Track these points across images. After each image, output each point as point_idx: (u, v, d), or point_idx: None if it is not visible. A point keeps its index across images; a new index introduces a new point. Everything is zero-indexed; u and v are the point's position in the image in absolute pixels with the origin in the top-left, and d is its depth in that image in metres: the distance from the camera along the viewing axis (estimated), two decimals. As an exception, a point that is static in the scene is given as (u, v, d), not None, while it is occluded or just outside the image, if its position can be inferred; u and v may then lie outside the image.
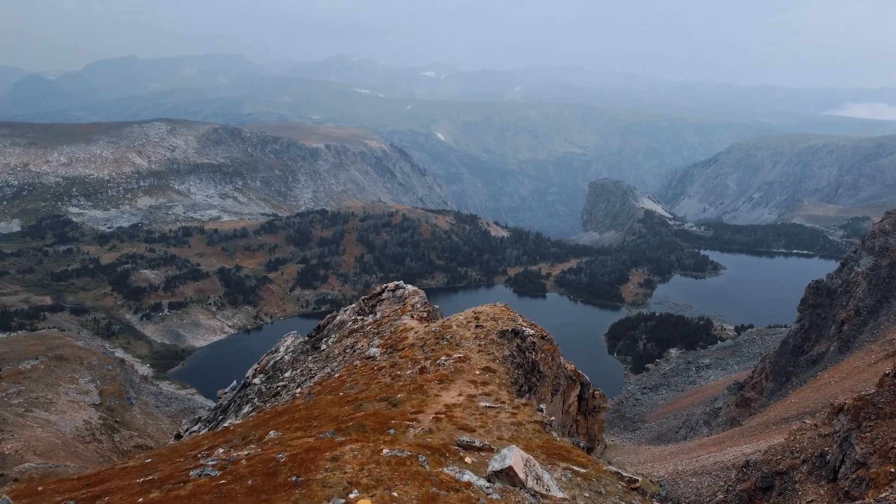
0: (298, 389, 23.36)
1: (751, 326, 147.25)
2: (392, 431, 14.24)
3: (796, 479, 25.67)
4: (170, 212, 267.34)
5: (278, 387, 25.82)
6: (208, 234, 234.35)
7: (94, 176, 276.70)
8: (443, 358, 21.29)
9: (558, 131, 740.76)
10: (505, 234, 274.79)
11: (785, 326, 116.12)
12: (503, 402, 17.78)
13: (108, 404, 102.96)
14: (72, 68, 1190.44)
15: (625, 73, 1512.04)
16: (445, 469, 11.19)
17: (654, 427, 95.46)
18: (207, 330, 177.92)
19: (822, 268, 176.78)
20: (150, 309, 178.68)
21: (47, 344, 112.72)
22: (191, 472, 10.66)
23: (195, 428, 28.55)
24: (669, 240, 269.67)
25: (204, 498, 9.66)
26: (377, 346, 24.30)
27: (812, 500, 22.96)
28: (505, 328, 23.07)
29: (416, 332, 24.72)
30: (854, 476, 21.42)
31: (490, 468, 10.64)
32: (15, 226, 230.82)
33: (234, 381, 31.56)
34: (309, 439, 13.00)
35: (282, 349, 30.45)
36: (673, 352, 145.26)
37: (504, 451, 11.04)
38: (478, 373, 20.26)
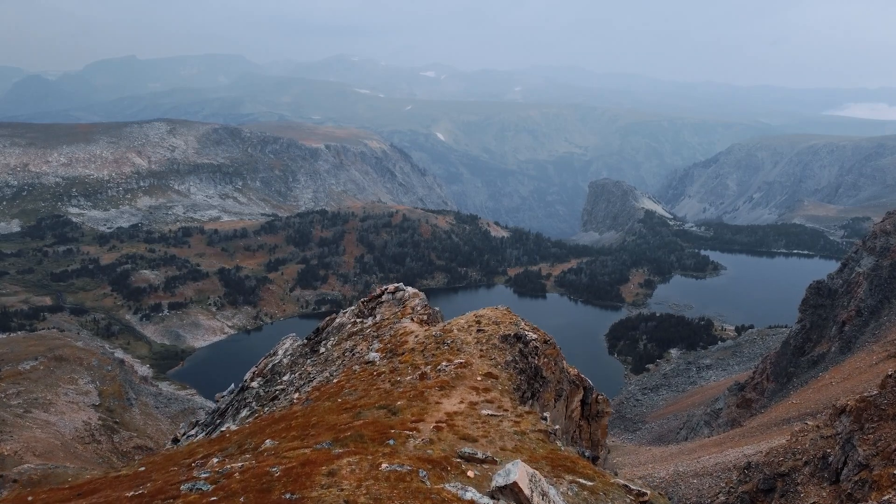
0: (296, 394, 23.05)
1: (751, 327, 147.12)
2: (391, 442, 13.91)
3: (798, 480, 25.52)
4: (170, 212, 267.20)
5: (276, 390, 25.57)
6: (208, 235, 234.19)
7: (93, 176, 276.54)
8: (443, 363, 20.98)
9: (558, 131, 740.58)
10: (505, 234, 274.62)
11: (785, 327, 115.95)
12: (506, 410, 17.44)
13: (108, 405, 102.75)
14: (72, 68, 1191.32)
15: (625, 73, 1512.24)
16: (447, 485, 10.83)
17: (655, 428, 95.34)
18: (207, 330, 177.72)
19: (823, 268, 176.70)
20: (150, 309, 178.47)
21: (47, 344, 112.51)
22: (182, 487, 10.36)
23: (192, 432, 28.33)
24: (670, 240, 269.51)
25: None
26: (376, 351, 23.99)
27: (814, 502, 22.81)
28: (507, 332, 22.71)
29: (416, 337, 24.38)
30: (857, 478, 21.26)
31: (494, 483, 10.30)
32: (15, 226, 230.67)
33: (232, 385, 31.33)
34: (305, 450, 12.64)
35: (280, 352, 30.21)
36: (673, 352, 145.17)
37: (508, 465, 10.69)
38: (479, 379, 19.93)
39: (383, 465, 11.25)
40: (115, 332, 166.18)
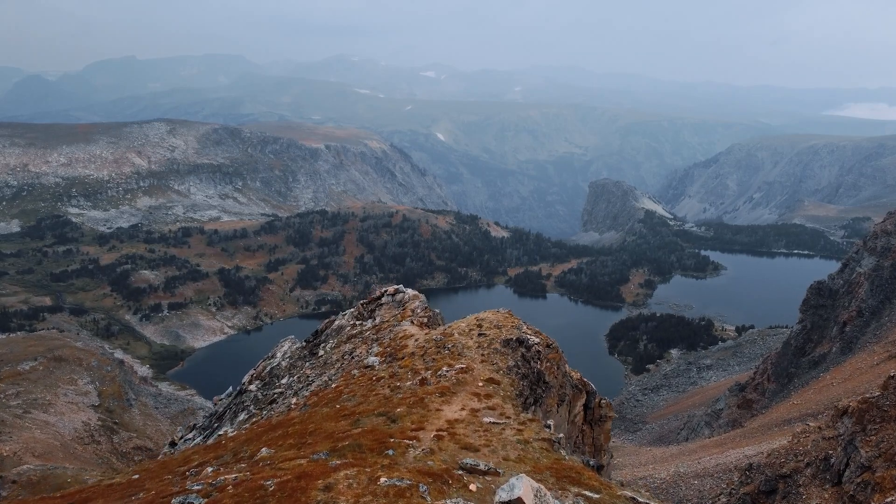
0: (294, 399, 22.70)
1: (752, 327, 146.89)
2: (391, 452, 13.52)
3: (800, 482, 25.34)
4: (169, 212, 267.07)
5: (275, 394, 25.28)
6: (208, 235, 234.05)
7: (93, 176, 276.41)
8: (444, 368, 20.59)
9: (558, 131, 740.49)
10: (505, 234, 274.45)
11: (786, 327, 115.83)
12: (508, 418, 17.07)
13: (107, 405, 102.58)
14: (72, 68, 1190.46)
15: (625, 73, 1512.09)
16: (448, 501, 10.49)
17: (656, 428, 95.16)
18: (207, 331, 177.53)
19: (823, 268, 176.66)
20: (150, 309, 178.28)
21: (46, 345, 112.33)
22: (173, 500, 10.09)
23: (190, 435, 28.08)
24: (670, 240, 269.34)
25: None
26: (376, 355, 23.59)
27: (816, 504, 22.61)
28: (509, 337, 22.29)
29: (416, 340, 23.99)
30: (859, 480, 21.08)
31: (497, 499, 9.93)
32: (14, 226, 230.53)
33: (230, 388, 31.09)
34: (301, 461, 12.27)
35: (279, 355, 29.95)
36: (674, 352, 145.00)
37: (512, 479, 10.33)
38: (481, 385, 19.56)
39: (382, 479, 10.84)
40: (115, 332, 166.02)
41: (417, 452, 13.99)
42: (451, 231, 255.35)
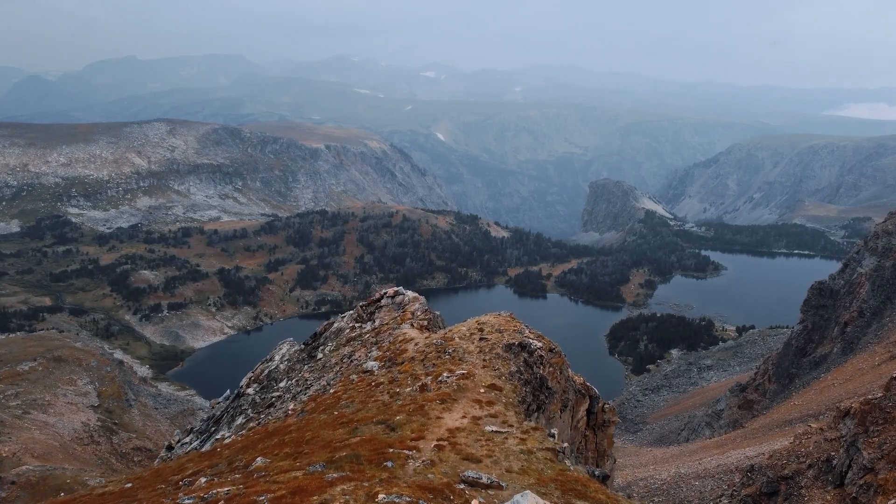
0: (292, 404, 22.39)
1: (752, 327, 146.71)
2: (390, 465, 13.16)
3: (802, 484, 25.21)
4: (169, 212, 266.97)
5: (273, 397, 25.03)
6: (208, 235, 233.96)
7: (93, 176, 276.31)
8: (445, 374, 20.21)
9: (558, 131, 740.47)
10: (505, 234, 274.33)
11: (786, 327, 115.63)
12: (511, 426, 16.71)
13: (107, 406, 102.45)
14: (72, 68, 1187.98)
15: (625, 73, 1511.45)
16: None
17: (656, 429, 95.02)
18: (207, 331, 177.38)
19: (824, 268, 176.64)
20: (150, 310, 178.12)
21: (45, 345, 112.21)
22: (163, 515, 9.89)
23: (187, 440, 27.86)
24: (670, 240, 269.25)
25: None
26: (375, 359, 23.19)
27: (818, 506, 22.47)
28: (511, 341, 21.90)
29: (416, 344, 23.60)
30: (862, 482, 20.95)
31: None
32: (14, 226, 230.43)
33: (228, 391, 30.91)
34: (297, 473, 11.96)
35: (277, 357, 29.73)
36: (674, 353, 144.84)
37: (517, 496, 9.95)
38: (482, 391, 19.16)
39: (380, 496, 10.47)
40: (115, 332, 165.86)
41: (417, 464, 13.62)
42: (452, 231, 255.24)
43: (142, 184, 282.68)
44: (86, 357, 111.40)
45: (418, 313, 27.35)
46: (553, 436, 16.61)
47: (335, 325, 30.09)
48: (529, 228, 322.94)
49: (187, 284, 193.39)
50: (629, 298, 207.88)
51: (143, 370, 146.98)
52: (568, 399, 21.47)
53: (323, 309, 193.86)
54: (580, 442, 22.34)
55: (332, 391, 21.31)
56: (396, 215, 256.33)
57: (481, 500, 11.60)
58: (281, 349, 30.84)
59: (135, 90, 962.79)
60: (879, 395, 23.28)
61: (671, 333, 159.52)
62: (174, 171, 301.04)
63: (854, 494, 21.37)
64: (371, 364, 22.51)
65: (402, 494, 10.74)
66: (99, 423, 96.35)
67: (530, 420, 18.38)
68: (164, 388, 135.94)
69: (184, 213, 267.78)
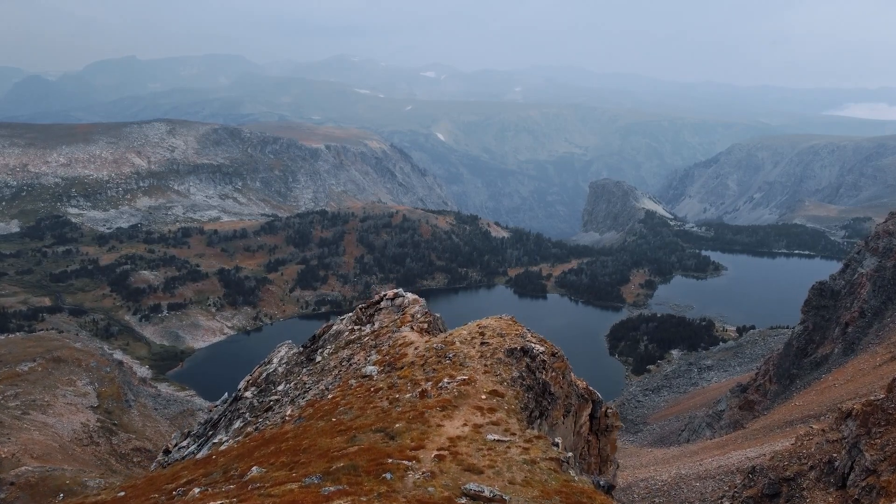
0: (290, 409, 22.05)
1: (753, 327, 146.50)
2: (388, 476, 12.78)
3: (804, 485, 25.05)
4: (169, 212, 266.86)
5: (271, 401, 24.75)
6: (208, 235, 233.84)
7: (93, 176, 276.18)
8: (445, 380, 19.83)
9: (558, 131, 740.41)
10: (505, 234, 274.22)
11: (787, 327, 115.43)
12: (514, 434, 16.37)
13: (106, 407, 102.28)
14: (72, 68, 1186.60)
15: (625, 73, 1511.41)
16: None
17: (656, 429, 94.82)
18: (207, 331, 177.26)
19: (824, 268, 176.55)
20: (150, 310, 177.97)
21: (45, 346, 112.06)
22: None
23: (184, 443, 27.61)
24: (670, 240, 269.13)
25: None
26: (374, 364, 22.73)
27: (820, 509, 22.31)
28: (513, 346, 21.51)
29: (416, 349, 23.15)
30: (864, 483, 20.79)
31: None
32: (14, 226, 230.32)
33: (226, 394, 30.70)
34: (293, 486, 11.64)
35: (275, 360, 29.48)
36: (674, 353, 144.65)
37: None
38: (484, 397, 18.77)
39: None
40: (115, 332, 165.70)
41: (417, 476, 13.25)
42: (452, 231, 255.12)
43: (142, 184, 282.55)
44: (85, 358, 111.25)
45: (418, 316, 27.05)
46: (557, 444, 16.20)
47: (334, 327, 29.83)
48: (529, 228, 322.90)
49: (187, 285, 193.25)
50: (629, 299, 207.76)
51: (143, 371, 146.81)
52: (571, 404, 21.16)
53: (323, 309, 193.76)
54: (583, 447, 22.05)
55: (330, 396, 20.94)
56: (396, 215, 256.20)
57: None
58: (279, 352, 30.59)
59: (135, 90, 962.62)
60: (881, 396, 23.15)
61: (671, 334, 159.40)
62: (174, 171, 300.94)
63: (856, 496, 21.23)
64: (370, 369, 22.13)
65: (400, 510, 10.18)
66: (98, 424, 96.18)
67: (533, 427, 18.05)
68: (164, 388, 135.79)
69: (184, 214, 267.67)
